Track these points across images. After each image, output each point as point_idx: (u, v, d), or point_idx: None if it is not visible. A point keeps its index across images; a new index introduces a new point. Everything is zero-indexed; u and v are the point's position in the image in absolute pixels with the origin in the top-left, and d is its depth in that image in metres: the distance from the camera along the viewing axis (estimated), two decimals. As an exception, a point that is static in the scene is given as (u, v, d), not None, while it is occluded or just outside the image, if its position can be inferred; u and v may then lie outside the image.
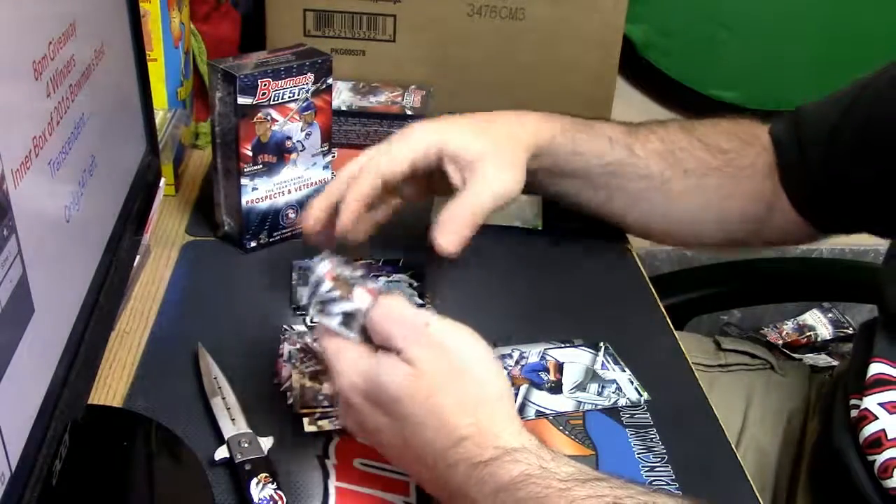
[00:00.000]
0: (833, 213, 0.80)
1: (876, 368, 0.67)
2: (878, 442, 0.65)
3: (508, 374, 0.72)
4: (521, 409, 0.69)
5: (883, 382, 0.67)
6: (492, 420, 0.52)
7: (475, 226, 0.71)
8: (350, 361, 0.55)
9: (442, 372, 0.52)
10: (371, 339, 0.56)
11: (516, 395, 0.70)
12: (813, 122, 0.81)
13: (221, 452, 0.61)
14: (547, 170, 0.80)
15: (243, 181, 0.82)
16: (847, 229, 0.81)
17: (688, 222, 0.83)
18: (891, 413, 0.65)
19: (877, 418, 0.66)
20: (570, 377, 0.72)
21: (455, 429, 0.51)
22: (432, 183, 0.76)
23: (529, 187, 0.78)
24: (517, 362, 0.73)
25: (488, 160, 0.73)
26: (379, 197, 0.74)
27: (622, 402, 0.70)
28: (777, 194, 0.81)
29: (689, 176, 0.81)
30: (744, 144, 0.82)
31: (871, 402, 0.67)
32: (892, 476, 0.64)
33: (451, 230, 0.70)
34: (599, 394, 0.71)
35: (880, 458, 0.65)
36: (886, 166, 0.71)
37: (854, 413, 0.68)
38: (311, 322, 0.57)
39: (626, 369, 0.73)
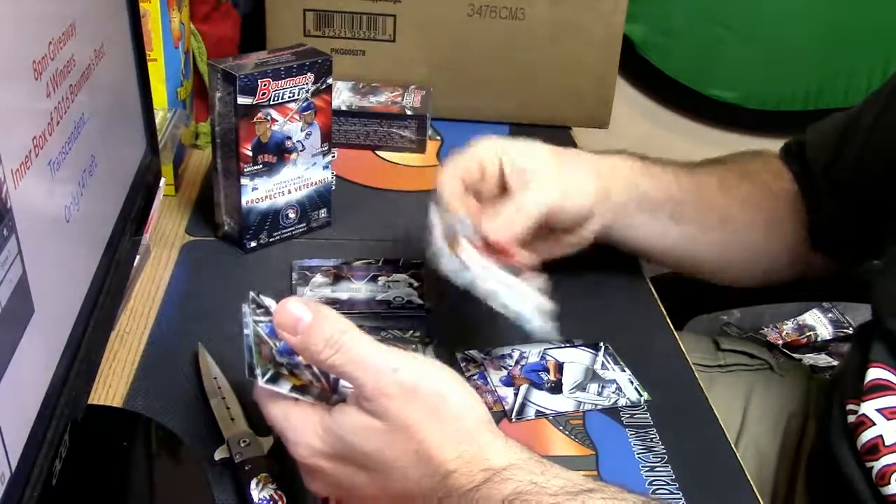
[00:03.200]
0: (843, 241, 0.81)
1: (874, 373, 0.67)
2: (876, 448, 0.65)
3: (508, 373, 0.72)
4: (521, 410, 0.69)
5: (881, 388, 0.66)
6: (477, 447, 0.51)
7: (523, 215, 0.69)
8: (303, 426, 0.52)
9: (416, 417, 0.50)
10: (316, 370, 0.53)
11: (516, 394, 0.70)
12: (818, 152, 0.81)
13: (221, 452, 0.61)
14: (629, 195, 0.77)
15: (243, 181, 0.82)
16: (855, 259, 0.82)
17: (744, 260, 0.83)
18: (888, 419, 0.65)
19: (874, 424, 0.66)
20: (570, 377, 0.72)
21: (441, 464, 0.50)
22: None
23: (618, 224, 0.77)
24: (517, 362, 0.73)
25: (544, 162, 0.72)
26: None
27: (622, 402, 0.70)
28: (801, 235, 0.82)
29: (751, 209, 0.81)
30: (774, 201, 0.83)
31: (868, 407, 0.66)
32: (889, 483, 0.64)
33: (496, 218, 0.69)
34: (599, 394, 0.71)
35: (878, 465, 0.65)
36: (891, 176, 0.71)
37: (851, 418, 0.68)
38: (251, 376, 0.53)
39: (626, 369, 0.73)
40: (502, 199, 0.71)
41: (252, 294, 0.57)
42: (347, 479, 0.52)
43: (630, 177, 0.78)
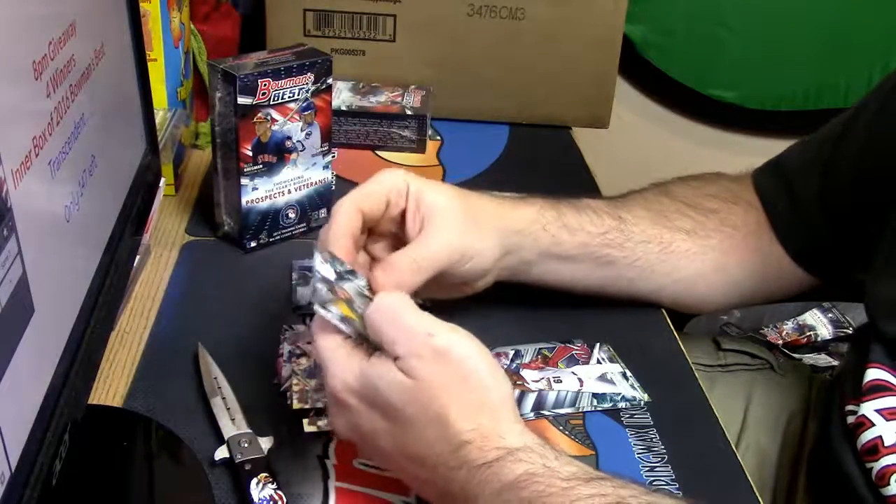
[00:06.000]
0: (832, 256, 0.79)
1: (873, 374, 0.67)
2: (875, 449, 0.65)
3: (506, 372, 0.72)
4: (519, 407, 0.69)
5: (880, 388, 0.66)
6: (495, 423, 0.52)
7: (419, 272, 0.63)
8: (344, 361, 0.54)
9: (443, 381, 0.52)
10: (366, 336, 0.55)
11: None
12: (800, 165, 0.80)
13: (221, 452, 0.61)
14: (539, 251, 0.73)
15: (243, 181, 0.82)
16: (847, 272, 0.80)
17: (700, 285, 0.80)
18: (888, 420, 0.65)
19: (874, 425, 0.66)
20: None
21: (457, 434, 0.51)
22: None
23: (520, 275, 0.74)
24: (512, 360, 0.73)
25: (450, 213, 0.66)
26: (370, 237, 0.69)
27: (622, 402, 0.70)
28: (773, 249, 0.80)
29: (692, 236, 0.78)
30: (728, 203, 0.80)
31: (868, 408, 0.66)
32: (889, 484, 0.64)
33: (390, 273, 0.61)
34: (599, 394, 0.71)
35: (877, 466, 0.65)
36: (890, 176, 0.71)
37: (851, 419, 0.68)
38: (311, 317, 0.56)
39: (626, 369, 0.73)
40: (395, 246, 0.66)
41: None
42: (369, 423, 0.54)
43: (540, 232, 0.72)
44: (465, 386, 0.52)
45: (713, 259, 0.79)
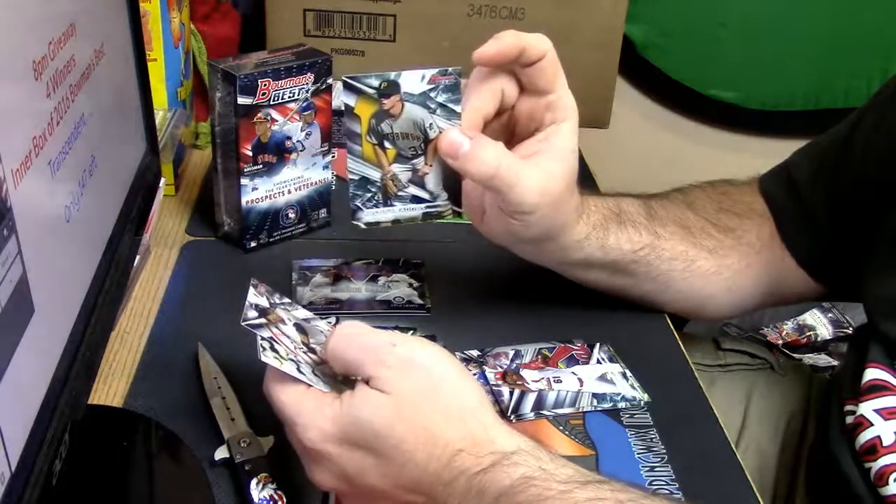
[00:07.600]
0: (837, 262, 0.79)
1: (871, 374, 0.67)
2: (874, 449, 0.65)
3: (506, 372, 0.72)
4: (520, 408, 0.69)
5: (878, 388, 0.67)
6: (482, 426, 0.51)
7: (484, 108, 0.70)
8: (314, 410, 0.52)
9: (419, 389, 0.51)
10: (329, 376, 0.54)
11: (511, 393, 0.70)
12: (805, 170, 0.80)
13: (221, 452, 0.61)
14: (574, 262, 0.74)
15: (243, 181, 0.82)
16: (850, 279, 0.79)
17: (713, 299, 0.81)
18: (886, 419, 0.65)
19: (872, 425, 0.66)
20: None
21: (448, 444, 0.50)
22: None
23: (546, 263, 0.75)
24: (512, 360, 0.73)
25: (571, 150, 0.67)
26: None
27: (622, 402, 0.70)
28: (785, 261, 0.80)
29: (713, 255, 0.79)
30: (742, 219, 0.81)
31: (866, 408, 0.66)
32: (887, 483, 0.64)
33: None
34: (599, 394, 0.71)
35: (876, 466, 0.65)
36: (890, 180, 0.71)
37: (849, 419, 0.68)
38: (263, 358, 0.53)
39: (626, 369, 0.73)
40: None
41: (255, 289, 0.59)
42: (354, 466, 0.52)
43: (584, 248, 0.73)
44: (439, 394, 0.51)
45: (728, 279, 0.79)
